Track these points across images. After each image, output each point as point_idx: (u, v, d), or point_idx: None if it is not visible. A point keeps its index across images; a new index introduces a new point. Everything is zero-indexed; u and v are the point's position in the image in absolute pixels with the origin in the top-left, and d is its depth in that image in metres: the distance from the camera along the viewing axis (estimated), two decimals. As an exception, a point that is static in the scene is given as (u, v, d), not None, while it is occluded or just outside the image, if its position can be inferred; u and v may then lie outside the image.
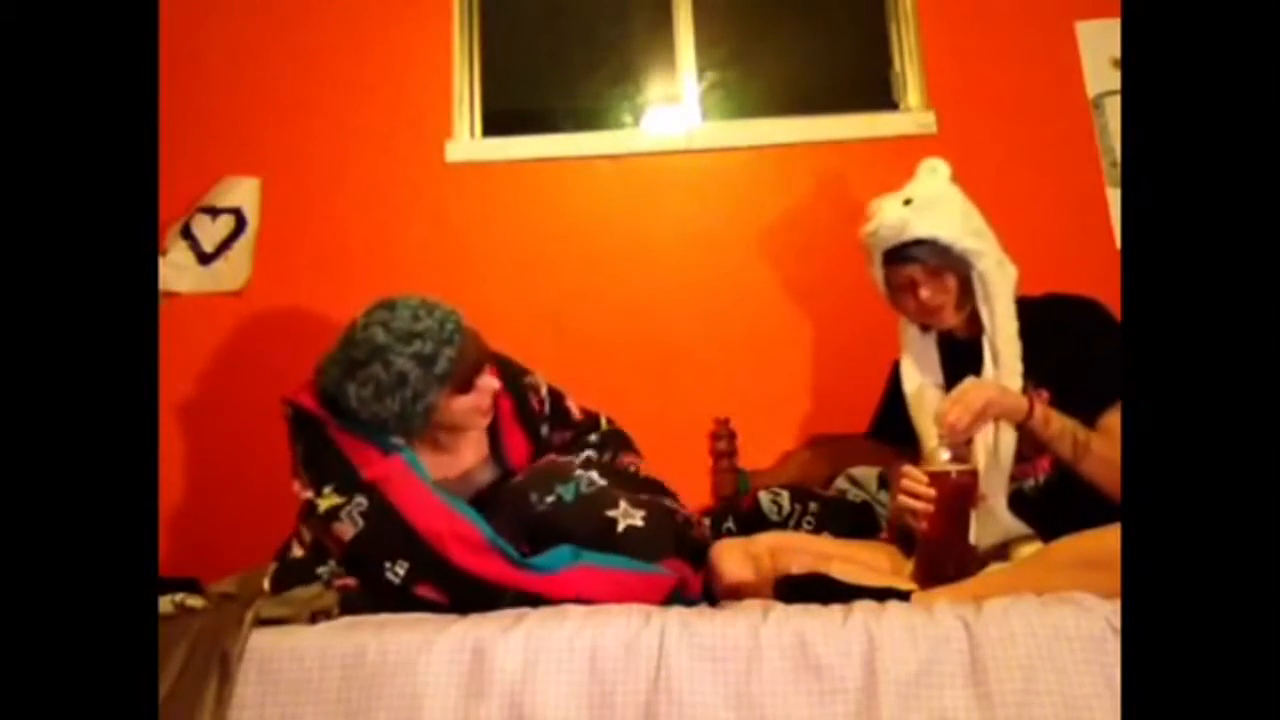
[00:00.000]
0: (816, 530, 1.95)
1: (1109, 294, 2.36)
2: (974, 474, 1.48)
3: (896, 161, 2.60)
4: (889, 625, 1.21)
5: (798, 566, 1.51)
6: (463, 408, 1.61)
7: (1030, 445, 1.56)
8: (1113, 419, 1.51)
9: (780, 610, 1.28)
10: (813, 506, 2.01)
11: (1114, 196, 2.48)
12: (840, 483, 2.15)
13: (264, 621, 1.31)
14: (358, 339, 1.55)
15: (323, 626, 1.34)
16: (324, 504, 1.53)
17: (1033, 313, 1.63)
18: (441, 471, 1.66)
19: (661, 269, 2.56)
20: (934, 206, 1.66)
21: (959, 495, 1.46)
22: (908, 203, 1.66)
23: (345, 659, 1.24)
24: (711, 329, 2.52)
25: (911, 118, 2.61)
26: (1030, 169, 2.54)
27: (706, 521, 1.98)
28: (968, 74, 2.61)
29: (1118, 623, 1.16)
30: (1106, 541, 1.28)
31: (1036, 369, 1.58)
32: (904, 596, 1.36)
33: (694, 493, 2.31)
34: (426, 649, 1.23)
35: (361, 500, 1.51)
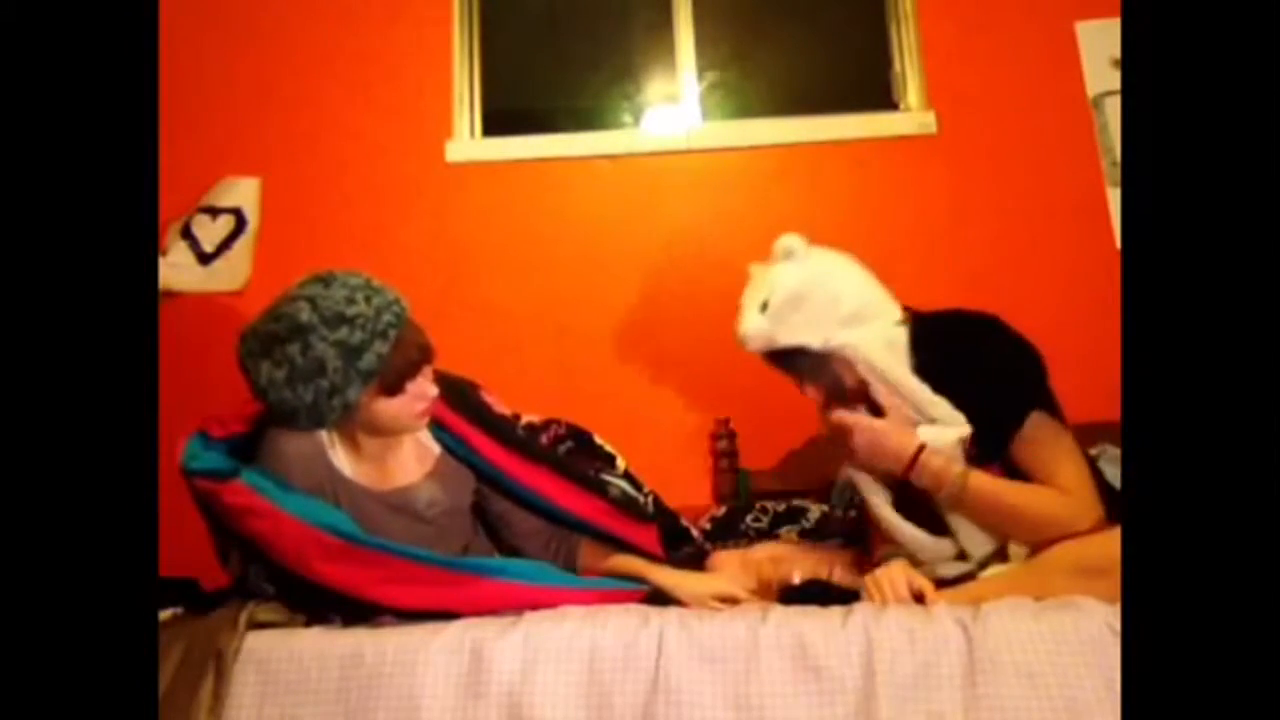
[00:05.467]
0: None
1: (1109, 294, 2.38)
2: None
3: (896, 161, 2.63)
4: (887, 627, 1.21)
5: (799, 574, 1.50)
6: (389, 412, 1.43)
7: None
8: (1027, 434, 1.41)
9: (779, 611, 1.28)
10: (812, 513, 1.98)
11: (1114, 196, 2.48)
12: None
13: (259, 625, 1.32)
14: (281, 311, 1.37)
15: (320, 627, 1.34)
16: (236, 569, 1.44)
17: (931, 332, 1.51)
18: (368, 483, 1.51)
19: (661, 269, 2.56)
20: (794, 307, 1.48)
21: None
22: (764, 307, 1.50)
23: (343, 659, 1.24)
24: (712, 329, 2.51)
25: (911, 118, 2.61)
26: (1030, 169, 2.54)
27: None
28: (968, 74, 2.61)
29: (1117, 625, 1.16)
30: (1105, 547, 1.27)
31: (943, 392, 1.46)
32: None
33: (694, 493, 2.31)
34: (425, 649, 1.23)
35: (259, 569, 1.40)
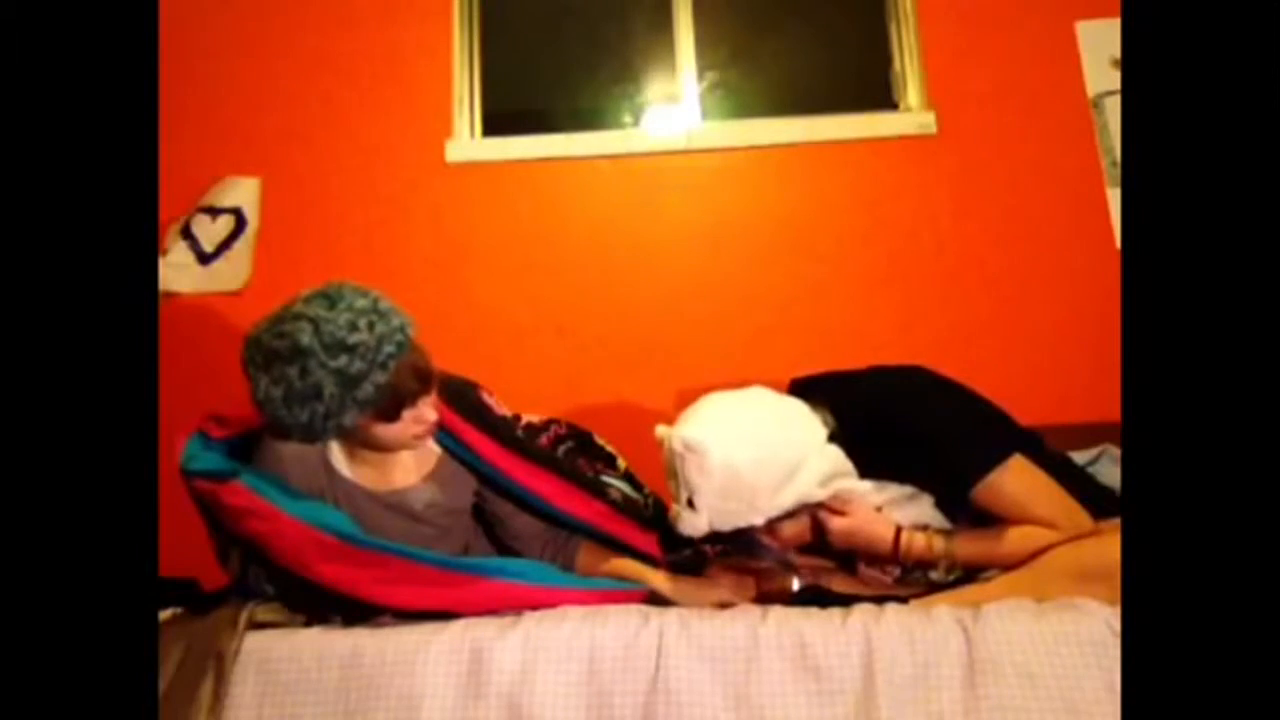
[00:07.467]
0: None
1: (1109, 294, 2.39)
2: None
3: (896, 161, 2.63)
4: (887, 627, 1.21)
5: (798, 581, 1.51)
6: (385, 436, 1.43)
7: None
8: (988, 485, 1.39)
9: (779, 611, 1.28)
10: None
11: (1114, 196, 2.48)
12: None
13: (259, 625, 1.32)
14: (285, 328, 1.34)
15: (320, 627, 1.34)
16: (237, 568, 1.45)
17: (859, 412, 1.46)
18: (366, 485, 1.52)
19: (661, 269, 2.56)
20: (721, 497, 1.38)
21: None
22: (691, 504, 1.41)
23: (343, 659, 1.24)
24: (712, 329, 2.52)
25: (911, 118, 2.61)
26: (1030, 169, 2.54)
27: None
28: (968, 74, 2.61)
29: (1118, 626, 1.16)
30: (1103, 552, 1.27)
31: (883, 463, 1.46)
32: (901, 600, 1.36)
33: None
34: (424, 649, 1.23)
35: (258, 569, 1.41)
